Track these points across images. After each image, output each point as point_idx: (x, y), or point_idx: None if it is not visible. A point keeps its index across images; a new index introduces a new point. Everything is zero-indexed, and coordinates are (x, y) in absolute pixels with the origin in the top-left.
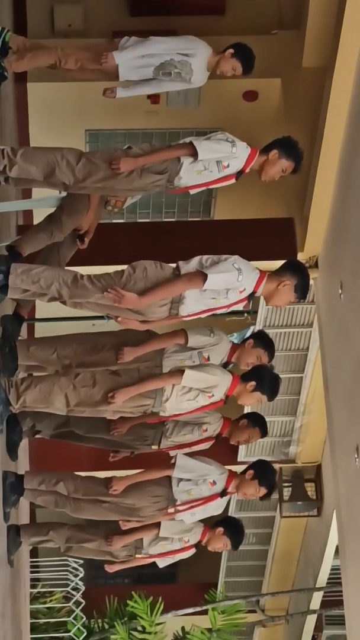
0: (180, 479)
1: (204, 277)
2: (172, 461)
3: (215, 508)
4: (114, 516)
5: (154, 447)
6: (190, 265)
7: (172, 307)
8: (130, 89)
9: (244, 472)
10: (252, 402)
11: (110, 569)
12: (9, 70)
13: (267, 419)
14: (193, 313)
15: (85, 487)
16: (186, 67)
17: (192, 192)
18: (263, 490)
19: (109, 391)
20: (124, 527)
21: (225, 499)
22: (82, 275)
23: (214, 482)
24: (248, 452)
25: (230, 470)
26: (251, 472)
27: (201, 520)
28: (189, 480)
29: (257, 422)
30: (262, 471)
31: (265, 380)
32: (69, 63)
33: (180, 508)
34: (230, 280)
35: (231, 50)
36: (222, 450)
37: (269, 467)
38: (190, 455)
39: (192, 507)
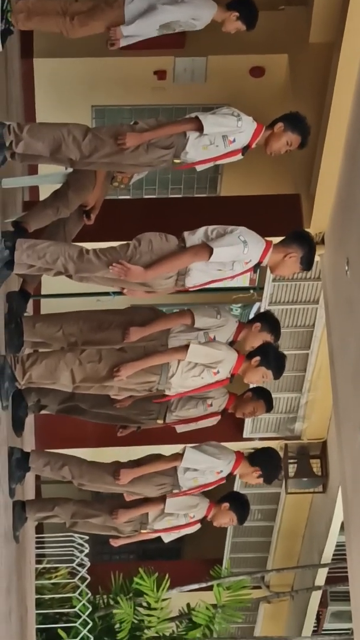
0: (187, 469)
1: (210, 250)
2: (180, 451)
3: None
4: (119, 489)
5: (159, 421)
6: (196, 237)
7: (178, 278)
8: (131, 38)
9: (250, 461)
10: (257, 378)
11: (115, 543)
12: (15, 26)
13: (273, 396)
14: (199, 284)
15: (90, 474)
16: (190, 26)
17: (198, 168)
18: (261, 480)
19: (115, 367)
20: (128, 498)
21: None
22: (87, 249)
23: (221, 471)
24: (254, 429)
25: (238, 454)
26: (257, 470)
27: (206, 496)
28: (196, 470)
29: (262, 395)
30: (266, 465)
31: (270, 355)
32: (77, 34)
33: (186, 493)
34: (236, 253)
35: (236, 13)
36: (227, 427)
37: (275, 460)
38: (197, 435)
39: (196, 491)
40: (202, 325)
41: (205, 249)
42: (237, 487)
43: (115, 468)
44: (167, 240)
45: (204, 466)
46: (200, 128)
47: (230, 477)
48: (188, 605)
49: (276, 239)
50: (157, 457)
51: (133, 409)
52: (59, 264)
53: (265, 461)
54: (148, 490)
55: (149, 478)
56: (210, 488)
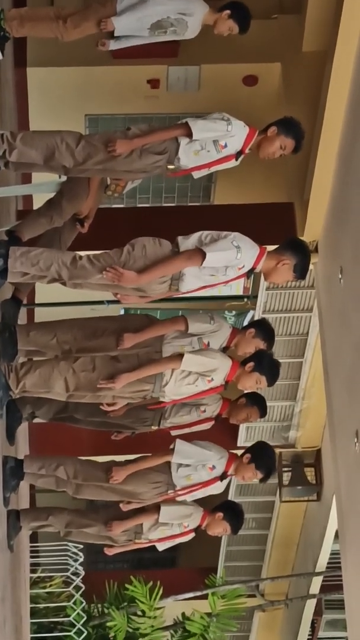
0: (180, 465)
1: (203, 255)
2: (172, 447)
3: (214, 490)
4: (115, 497)
5: (154, 427)
6: (190, 242)
7: (172, 283)
8: (123, 41)
9: (242, 455)
10: (250, 383)
11: (109, 552)
12: (10, 34)
13: (267, 404)
14: (192, 289)
15: (85, 472)
16: (182, 24)
17: (195, 175)
18: (260, 474)
19: (108, 377)
20: (124, 508)
21: (226, 481)
22: (80, 256)
23: (213, 467)
24: (248, 437)
25: (230, 453)
26: (248, 456)
27: (201, 504)
28: (188, 465)
29: (256, 401)
30: (260, 455)
31: (264, 361)
32: (71, 36)
33: (180, 492)
34: (229, 259)
35: (228, 12)
36: (221, 435)
37: (267, 450)
38: (191, 438)
39: (191, 491)
40: (195, 331)
41: (199, 253)
42: (231, 495)
43: (109, 466)
44: (161, 245)
45: (195, 459)
46: (190, 133)
47: (225, 477)
48: (183, 614)
49: (270, 248)
50: (150, 453)
51: (127, 417)
52: (52, 270)
53: (257, 450)
54: (143, 489)
55: (142, 476)
56: (205, 489)
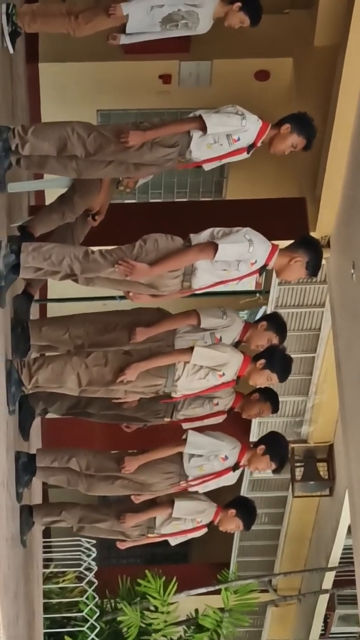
0: (192, 455)
1: (215, 247)
2: (184, 437)
3: (227, 480)
4: (127, 492)
5: (166, 419)
6: (202, 237)
7: (184, 279)
8: (134, 36)
9: (256, 445)
10: (262, 380)
11: (122, 545)
12: (22, 28)
13: (279, 399)
14: (205, 285)
15: (97, 463)
16: (193, 16)
17: (205, 167)
18: (274, 465)
19: (120, 371)
20: (136, 500)
21: (238, 471)
22: (93, 250)
23: (226, 457)
24: (260, 432)
25: (243, 444)
26: (262, 447)
27: (213, 499)
28: (200, 456)
29: (269, 396)
30: (274, 445)
31: (275, 358)
32: (83, 32)
33: (192, 483)
34: (241, 252)
35: (239, 4)
36: (234, 431)
37: (281, 440)
38: (202, 430)
39: (204, 481)
40: (208, 326)
41: (211, 246)
42: (244, 490)
43: (121, 456)
44: (173, 241)
45: (207, 449)
46: (203, 127)
47: (237, 468)
48: (196, 610)
49: (282, 243)
50: (162, 445)
51: (140, 410)
52: (64, 264)
53: (271, 441)
54: (155, 479)
55: (154, 466)
56: (218, 480)
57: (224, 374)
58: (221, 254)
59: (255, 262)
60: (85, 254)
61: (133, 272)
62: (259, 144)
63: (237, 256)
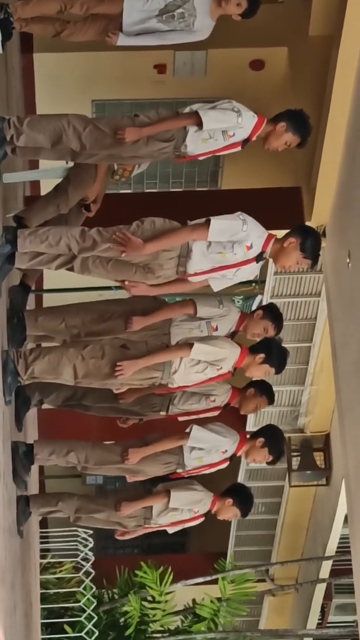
0: (193, 448)
1: (208, 224)
2: (187, 430)
3: (221, 467)
4: (121, 474)
5: (162, 413)
6: (197, 221)
7: (179, 262)
8: (132, 38)
9: (254, 437)
10: (260, 374)
11: (120, 535)
12: (14, 15)
13: (275, 389)
14: (201, 271)
15: (96, 455)
16: (188, 3)
17: (200, 157)
18: (271, 457)
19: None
20: (129, 479)
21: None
22: (89, 229)
23: (226, 451)
24: (257, 422)
25: (241, 436)
26: (261, 440)
27: (208, 486)
28: (201, 449)
29: (264, 390)
30: (272, 438)
31: (274, 352)
32: (75, 7)
33: (190, 472)
34: (234, 229)
35: None
36: (230, 421)
37: (278, 433)
38: (205, 422)
39: (200, 471)
40: (204, 315)
41: (204, 224)
42: (240, 480)
43: (124, 448)
44: (170, 223)
45: (210, 444)
46: (200, 123)
47: (235, 458)
48: (194, 600)
49: (277, 233)
50: (164, 436)
51: (136, 404)
52: (62, 244)
53: (269, 434)
54: (154, 468)
55: (155, 456)
56: (213, 469)
57: (221, 368)
58: (214, 230)
59: (251, 245)
60: (82, 232)
61: (128, 245)
62: (253, 139)
63: (231, 234)
